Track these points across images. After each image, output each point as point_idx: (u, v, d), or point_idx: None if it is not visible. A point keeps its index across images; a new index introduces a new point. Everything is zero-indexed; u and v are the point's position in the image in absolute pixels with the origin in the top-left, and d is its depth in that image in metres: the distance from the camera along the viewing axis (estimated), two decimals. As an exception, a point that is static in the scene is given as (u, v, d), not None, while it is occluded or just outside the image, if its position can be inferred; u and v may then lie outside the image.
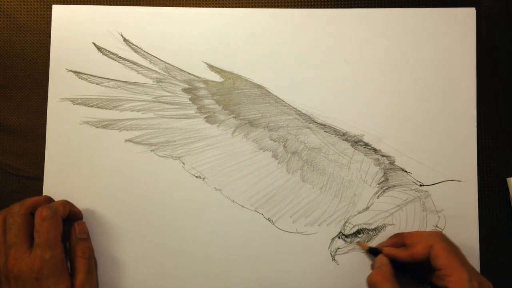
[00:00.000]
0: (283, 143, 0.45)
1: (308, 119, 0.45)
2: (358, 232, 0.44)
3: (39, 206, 0.40)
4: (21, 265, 0.38)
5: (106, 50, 0.45)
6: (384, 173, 0.44)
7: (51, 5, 0.46)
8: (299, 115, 0.45)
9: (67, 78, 0.45)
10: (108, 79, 0.45)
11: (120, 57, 0.45)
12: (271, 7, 0.46)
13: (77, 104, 0.45)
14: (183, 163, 0.44)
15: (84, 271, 0.41)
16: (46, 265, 0.38)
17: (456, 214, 0.44)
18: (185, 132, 0.45)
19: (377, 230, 0.44)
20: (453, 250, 0.38)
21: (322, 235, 0.44)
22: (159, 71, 0.45)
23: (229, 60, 0.45)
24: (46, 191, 0.44)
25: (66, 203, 0.42)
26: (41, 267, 0.38)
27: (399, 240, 0.42)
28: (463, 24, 0.45)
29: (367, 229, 0.44)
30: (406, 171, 0.44)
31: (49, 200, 0.43)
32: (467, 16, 0.45)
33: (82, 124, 0.45)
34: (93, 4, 0.46)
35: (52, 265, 0.38)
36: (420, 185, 0.44)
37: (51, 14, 0.46)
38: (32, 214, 0.40)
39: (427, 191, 0.44)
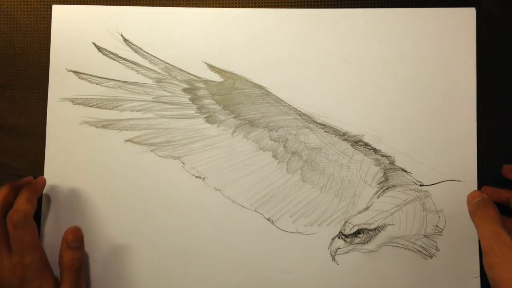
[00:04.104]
0: (283, 143, 0.45)
1: (308, 119, 0.45)
2: (358, 232, 0.44)
3: (7, 203, 0.40)
4: (3, 272, 0.38)
5: (106, 50, 0.45)
6: (384, 173, 0.44)
7: (51, 5, 0.46)
8: (299, 115, 0.45)
9: (67, 78, 0.45)
10: (108, 79, 0.45)
11: (120, 57, 0.45)
12: (271, 7, 0.46)
13: (77, 104, 0.45)
14: (183, 163, 0.44)
15: (70, 283, 0.39)
16: (27, 271, 0.38)
17: (456, 214, 0.44)
18: (185, 132, 0.45)
19: (377, 230, 0.44)
20: None
21: (322, 235, 0.44)
22: (159, 71, 0.45)
23: (229, 60, 0.45)
24: (46, 191, 0.44)
25: (30, 197, 0.40)
26: (23, 273, 0.38)
27: None
28: (463, 24, 0.45)
29: (367, 229, 0.44)
30: (406, 171, 0.44)
31: (13, 188, 0.41)
32: (467, 16, 0.45)
33: (82, 124, 0.45)
34: (93, 4, 0.46)
35: (34, 270, 0.38)
36: (420, 185, 0.44)
37: (51, 14, 0.46)
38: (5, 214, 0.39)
39: (427, 191, 0.44)
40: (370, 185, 0.44)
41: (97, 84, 0.45)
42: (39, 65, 0.45)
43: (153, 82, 0.45)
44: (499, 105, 0.45)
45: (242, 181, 0.44)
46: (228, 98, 0.45)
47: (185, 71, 0.45)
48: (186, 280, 0.44)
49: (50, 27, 0.45)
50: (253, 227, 0.44)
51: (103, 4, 0.46)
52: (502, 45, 0.45)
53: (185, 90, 0.45)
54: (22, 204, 0.40)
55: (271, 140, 0.45)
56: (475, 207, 0.39)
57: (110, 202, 0.44)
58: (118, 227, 0.44)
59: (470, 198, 0.40)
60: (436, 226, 0.44)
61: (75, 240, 0.41)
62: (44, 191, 0.44)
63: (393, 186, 0.44)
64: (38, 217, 0.44)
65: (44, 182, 0.43)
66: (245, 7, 0.46)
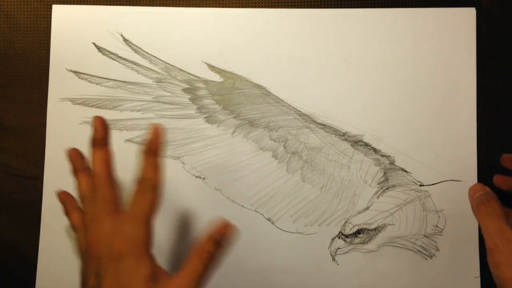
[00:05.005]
0: (283, 143, 0.45)
1: (308, 119, 0.45)
2: (358, 232, 0.44)
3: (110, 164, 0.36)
4: (101, 242, 0.33)
5: (106, 50, 0.45)
6: (384, 173, 0.44)
7: (51, 5, 0.46)
8: (299, 115, 0.45)
9: (67, 78, 0.45)
10: (108, 79, 0.45)
11: (120, 57, 0.45)
12: (271, 7, 0.46)
13: (77, 104, 0.45)
14: (183, 163, 0.44)
15: (190, 274, 0.32)
16: (127, 245, 0.32)
17: (456, 214, 0.44)
18: (185, 132, 0.45)
19: (377, 230, 0.44)
20: None
21: (322, 235, 0.44)
22: (159, 71, 0.45)
23: (229, 60, 0.45)
24: (46, 191, 0.44)
25: (157, 164, 0.35)
26: (122, 247, 0.32)
27: None
28: (463, 24, 0.45)
29: (367, 229, 0.44)
30: (406, 171, 0.44)
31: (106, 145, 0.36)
32: (467, 16, 0.45)
33: (82, 124, 0.45)
34: (93, 4, 0.46)
35: (135, 245, 0.32)
36: (420, 185, 0.44)
37: (51, 14, 0.46)
38: None
39: (427, 191, 0.44)
40: (370, 185, 0.44)
41: (97, 84, 0.45)
42: (39, 65, 0.45)
43: (153, 82, 0.45)
44: (499, 105, 0.45)
45: (242, 181, 0.44)
46: (228, 98, 0.45)
47: (185, 71, 0.45)
48: (186, 280, 0.44)
49: (50, 27, 0.45)
50: (253, 227, 0.44)
51: (103, 4, 0.46)
52: (502, 45, 0.45)
53: (185, 90, 0.45)
54: (149, 172, 0.35)
55: (271, 140, 0.45)
56: (478, 202, 0.38)
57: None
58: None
59: (472, 191, 0.39)
60: (436, 226, 0.44)
61: (224, 237, 0.34)
62: (44, 191, 0.44)
63: (393, 186, 0.44)
64: (37, 217, 0.44)
65: (160, 131, 0.35)
66: (245, 7, 0.46)
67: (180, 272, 0.33)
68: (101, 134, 0.37)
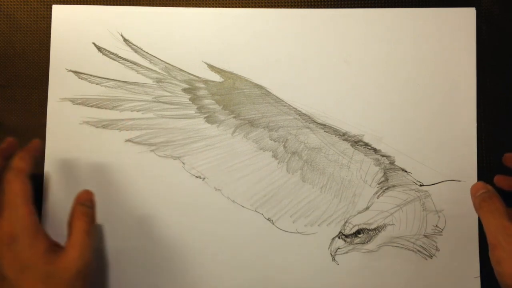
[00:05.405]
0: (283, 143, 0.45)
1: (308, 119, 0.45)
2: (358, 232, 0.44)
3: None
4: None
5: (106, 50, 0.45)
6: (384, 173, 0.44)
7: (51, 5, 0.46)
8: (299, 115, 0.45)
9: (67, 78, 0.45)
10: (108, 79, 0.45)
11: (120, 57, 0.45)
12: (271, 7, 0.46)
13: (77, 104, 0.45)
14: (183, 163, 0.44)
15: (81, 231, 0.37)
16: (15, 227, 0.35)
17: (456, 214, 0.44)
18: (185, 132, 0.45)
19: (377, 230, 0.44)
20: None
21: (322, 235, 0.44)
22: (159, 71, 0.45)
23: (229, 60, 0.45)
24: (46, 191, 0.44)
25: (23, 156, 0.38)
26: (11, 230, 0.35)
27: None
28: (463, 24, 0.45)
29: (367, 229, 0.44)
30: (406, 171, 0.44)
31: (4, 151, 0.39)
32: (467, 16, 0.45)
33: (82, 124, 0.45)
34: (93, 4, 0.46)
35: (22, 226, 0.35)
36: (420, 185, 0.44)
37: (51, 14, 0.46)
38: None
39: (427, 191, 0.44)
40: (370, 185, 0.44)
41: (97, 84, 0.45)
42: (39, 65, 0.45)
43: (153, 82, 0.45)
44: (499, 105, 0.45)
45: (242, 181, 0.44)
46: (228, 98, 0.45)
47: (185, 71, 0.45)
48: (186, 280, 0.44)
49: (50, 27, 0.45)
50: (253, 227, 0.44)
51: (103, 4, 0.46)
52: (502, 45, 0.45)
53: (185, 90, 0.45)
54: (15, 162, 0.38)
55: (271, 140, 0.45)
56: (480, 200, 0.38)
57: (109, 202, 0.44)
58: (118, 227, 0.44)
59: (474, 189, 0.39)
60: (436, 226, 0.44)
61: (87, 199, 0.40)
62: (44, 191, 0.44)
63: (393, 186, 0.44)
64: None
65: (38, 144, 0.41)
66: (245, 7, 0.46)
67: (71, 236, 0.37)
68: (3, 148, 0.39)
